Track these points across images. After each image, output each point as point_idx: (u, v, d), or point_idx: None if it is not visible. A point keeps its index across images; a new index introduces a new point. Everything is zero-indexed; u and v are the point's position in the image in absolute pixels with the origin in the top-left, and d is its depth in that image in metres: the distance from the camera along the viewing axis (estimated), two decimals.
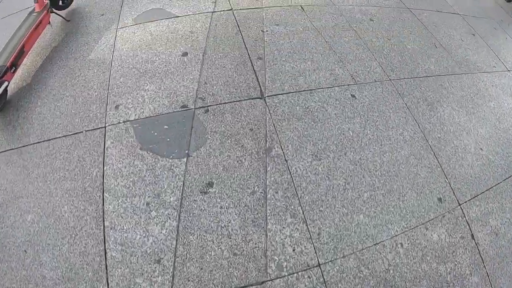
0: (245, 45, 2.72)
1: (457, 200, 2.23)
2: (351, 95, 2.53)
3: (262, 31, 2.89)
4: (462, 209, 2.21)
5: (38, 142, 2.18)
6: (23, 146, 2.17)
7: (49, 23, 2.93)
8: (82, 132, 2.22)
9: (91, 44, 2.82)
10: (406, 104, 2.63)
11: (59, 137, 2.20)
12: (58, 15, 3.03)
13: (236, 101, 2.37)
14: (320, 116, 2.36)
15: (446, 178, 2.31)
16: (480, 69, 3.29)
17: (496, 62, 3.51)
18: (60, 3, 3.12)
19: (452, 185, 2.29)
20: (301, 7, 3.27)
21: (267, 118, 2.29)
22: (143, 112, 2.29)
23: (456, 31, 3.70)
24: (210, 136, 2.19)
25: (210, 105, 2.33)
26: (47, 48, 2.84)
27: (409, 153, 2.35)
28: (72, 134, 2.21)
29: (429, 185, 2.25)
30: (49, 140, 2.20)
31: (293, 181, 2.08)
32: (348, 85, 2.60)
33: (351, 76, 2.65)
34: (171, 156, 2.10)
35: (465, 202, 2.24)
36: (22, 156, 2.13)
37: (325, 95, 2.48)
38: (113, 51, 2.72)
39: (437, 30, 3.57)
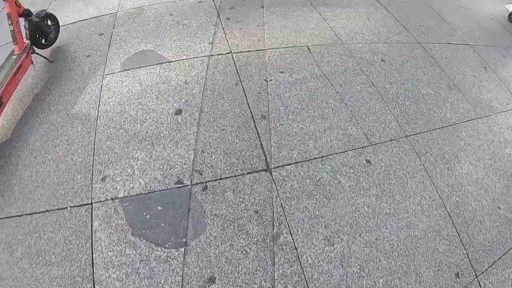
0: (246, 100, 2.44)
1: (474, 272, 2.07)
2: (366, 160, 2.29)
3: (265, 80, 2.60)
4: (479, 281, 2.04)
5: (20, 216, 1.93)
6: (5, 218, 1.93)
7: (32, 63, 2.66)
8: (66, 208, 1.96)
9: (75, 94, 2.54)
10: (423, 165, 2.42)
11: (42, 211, 1.95)
12: (41, 56, 2.76)
13: (239, 175, 2.11)
14: (333, 191, 2.12)
15: (464, 248, 2.14)
16: (495, 109, 3.14)
17: (509, 97, 3.38)
18: (43, 41, 2.84)
19: (470, 255, 2.12)
20: (307, 48, 2.98)
21: (274, 196, 2.04)
22: (133, 187, 2.02)
23: (468, 66, 3.53)
24: (210, 221, 1.94)
25: (209, 181, 2.07)
26: (29, 95, 2.57)
27: (427, 226, 2.15)
28: (56, 210, 1.95)
29: (447, 259, 2.06)
30: (32, 214, 1.94)
31: (303, 272, 1.85)
32: (363, 147, 2.37)
33: (365, 136, 2.40)
34: (167, 245, 1.85)
35: (482, 273, 2.08)
36: (4, 229, 1.89)
37: (337, 163, 2.23)
38: (98, 105, 2.44)
39: (449, 67, 3.38)
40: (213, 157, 2.17)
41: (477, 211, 2.31)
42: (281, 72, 2.72)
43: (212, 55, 2.80)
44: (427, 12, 4.39)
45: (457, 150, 2.61)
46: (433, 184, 2.35)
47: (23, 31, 2.62)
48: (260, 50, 2.91)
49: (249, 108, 2.42)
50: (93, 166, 2.12)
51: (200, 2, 3.56)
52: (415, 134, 2.59)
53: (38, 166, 2.13)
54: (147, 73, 2.63)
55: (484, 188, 2.44)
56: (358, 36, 3.36)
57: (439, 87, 3.08)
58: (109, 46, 2.95)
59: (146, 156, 2.15)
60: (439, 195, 2.30)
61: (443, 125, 2.75)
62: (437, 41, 3.75)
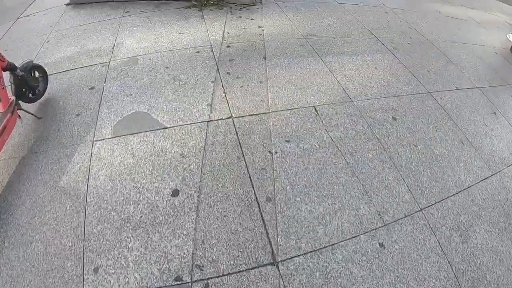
0: (250, 178, 2.26)
1: None
2: (379, 244, 2.14)
3: (270, 152, 2.43)
4: None
5: None
6: None
7: (19, 117, 2.52)
8: None
9: (62, 162, 2.36)
10: (438, 241, 2.26)
11: None
12: (27, 112, 2.60)
13: (243, 270, 1.95)
14: (345, 283, 1.97)
15: None
16: (507, 161, 2.99)
17: None
18: (30, 95, 2.69)
19: None
20: (315, 109, 2.82)
21: None
22: (128, 282, 1.84)
23: (479, 113, 3.41)
24: None
25: (211, 278, 1.88)
26: (15, 157, 2.41)
27: None
28: None
29: None
30: None
31: None
32: (376, 229, 2.21)
33: (378, 214, 2.24)
34: None
35: None
36: None
37: (349, 251, 2.07)
38: (88, 178, 2.26)
39: (461, 118, 3.25)
40: (215, 249, 1.98)
41: (492, 284, 2.16)
42: (287, 141, 2.54)
43: (211, 120, 2.62)
44: (433, 52, 4.27)
45: (472, 217, 2.45)
46: (448, 262, 2.19)
47: (8, 86, 2.46)
48: (264, 113, 2.73)
49: (253, 188, 2.23)
50: (83, 253, 1.94)
51: (198, 52, 3.38)
52: (429, 206, 2.43)
53: (26, 246, 1.96)
54: (140, 141, 2.44)
55: (499, 257, 2.29)
56: (367, 90, 3.21)
57: (452, 144, 2.92)
58: (100, 104, 2.77)
59: (141, 246, 1.97)
60: (454, 274, 2.14)
61: (458, 190, 2.59)
62: (446, 87, 3.61)
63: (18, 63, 3.32)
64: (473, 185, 2.66)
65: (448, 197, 2.51)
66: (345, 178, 2.39)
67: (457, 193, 2.55)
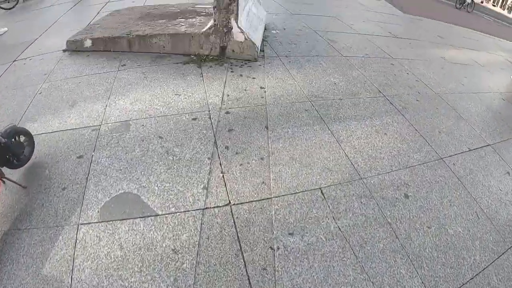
0: (249, 281, 2.05)
1: None
2: None
3: (271, 248, 2.21)
4: None
5: None
6: None
7: (4, 182, 2.36)
8: None
9: (46, 246, 2.17)
10: None
11: None
12: (11, 181, 2.44)
13: None
14: None
15: None
16: None
17: None
18: (15, 161, 2.53)
19: None
20: (321, 191, 2.64)
21: None
22: None
23: (493, 176, 3.28)
24: None
25: None
26: None
27: None
28: None
29: None
30: None
31: None
32: None
33: None
34: None
35: None
36: None
37: None
38: (72, 269, 2.04)
39: (474, 185, 3.11)
40: None
41: None
42: (290, 234, 2.32)
43: (207, 207, 2.41)
44: (443, 108, 4.14)
45: None
46: None
47: None
48: (265, 199, 2.52)
49: None
50: None
51: (195, 119, 3.20)
52: None
53: None
54: (128, 230, 2.25)
55: None
56: (377, 164, 3.02)
57: (467, 219, 2.75)
58: (87, 178, 2.60)
59: None
60: None
61: (473, 273, 2.38)
62: (458, 150, 3.48)
63: (8, 114, 3.16)
64: (489, 265, 2.46)
65: (463, 284, 2.30)
66: (353, 275, 2.17)
67: (472, 278, 2.35)
